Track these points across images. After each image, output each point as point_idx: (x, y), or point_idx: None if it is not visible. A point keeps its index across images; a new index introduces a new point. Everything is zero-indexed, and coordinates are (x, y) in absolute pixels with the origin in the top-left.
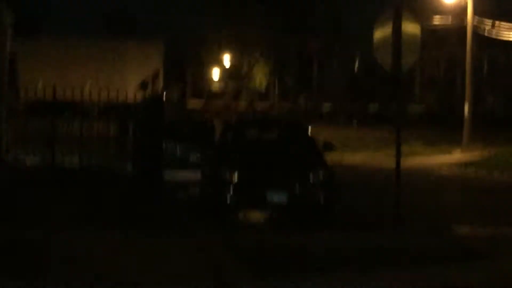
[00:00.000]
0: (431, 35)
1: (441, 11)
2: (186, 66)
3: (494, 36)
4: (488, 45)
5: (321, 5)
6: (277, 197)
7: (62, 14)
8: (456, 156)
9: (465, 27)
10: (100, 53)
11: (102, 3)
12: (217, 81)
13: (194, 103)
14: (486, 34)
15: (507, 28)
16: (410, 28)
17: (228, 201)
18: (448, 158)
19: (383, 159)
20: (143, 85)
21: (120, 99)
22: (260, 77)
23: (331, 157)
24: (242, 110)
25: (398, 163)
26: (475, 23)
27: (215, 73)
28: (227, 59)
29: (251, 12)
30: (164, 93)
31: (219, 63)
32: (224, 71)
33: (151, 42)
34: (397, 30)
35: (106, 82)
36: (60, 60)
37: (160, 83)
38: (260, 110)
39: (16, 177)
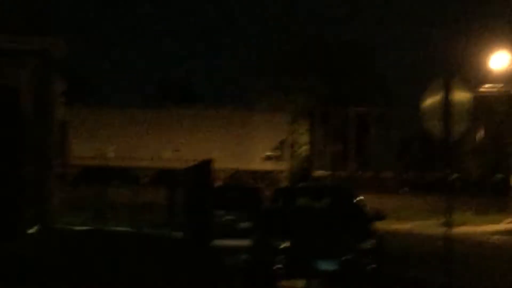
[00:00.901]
0: (480, 102)
1: (490, 79)
2: None
3: None
4: None
5: (370, 74)
6: (326, 265)
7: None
8: (508, 225)
9: None
10: (222, 122)
11: (155, 73)
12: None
13: None
14: None
15: None
16: (460, 96)
17: (278, 269)
18: (499, 227)
19: (433, 227)
20: (269, 155)
21: (172, 166)
22: (309, 144)
23: (380, 224)
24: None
25: (449, 232)
26: None
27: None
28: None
29: (302, 80)
30: (212, 159)
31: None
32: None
33: (276, 112)
34: (446, 98)
35: (232, 150)
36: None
37: (287, 152)
38: (310, 177)
39: (66, 242)
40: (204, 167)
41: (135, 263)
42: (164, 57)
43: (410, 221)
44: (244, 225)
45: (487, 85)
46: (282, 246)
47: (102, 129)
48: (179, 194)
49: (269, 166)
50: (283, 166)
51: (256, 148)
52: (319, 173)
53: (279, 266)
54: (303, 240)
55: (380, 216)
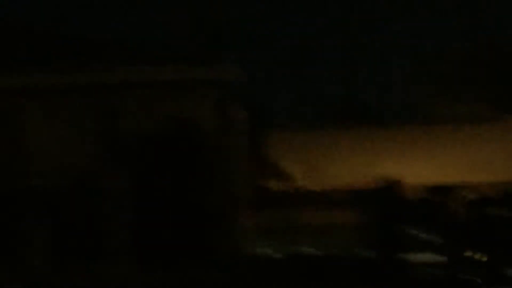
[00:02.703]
0: None
1: None
2: None
3: None
4: None
5: None
6: None
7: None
8: None
9: None
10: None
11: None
12: None
13: None
14: None
15: None
16: None
17: (476, 282)
18: None
19: None
20: None
21: (359, 186)
22: None
23: None
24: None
25: None
26: None
27: None
28: None
29: (477, 88)
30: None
31: None
32: None
33: None
34: None
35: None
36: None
37: None
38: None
39: (260, 268)
40: (394, 185)
41: (332, 285)
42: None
43: None
44: (436, 240)
45: None
46: (479, 259)
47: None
48: (370, 213)
49: None
50: None
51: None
52: None
53: (477, 279)
54: (500, 251)
55: None
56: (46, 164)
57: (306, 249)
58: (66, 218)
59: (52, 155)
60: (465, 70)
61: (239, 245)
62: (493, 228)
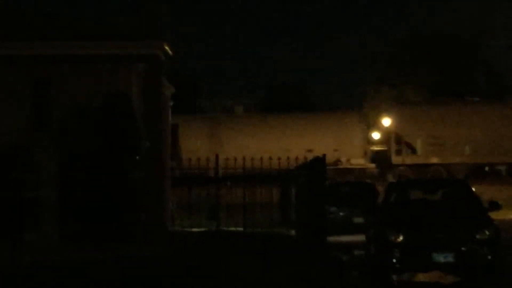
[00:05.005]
0: None
1: None
2: None
3: None
4: None
5: (480, 64)
6: (443, 257)
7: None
8: None
9: None
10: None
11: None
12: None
13: None
14: None
15: None
16: None
17: (394, 262)
18: None
19: None
20: None
21: (282, 166)
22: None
23: (496, 216)
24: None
25: None
26: None
27: (375, 136)
28: (387, 121)
29: (412, 72)
30: (325, 156)
31: (379, 124)
32: (384, 133)
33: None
34: None
35: None
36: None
37: None
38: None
39: (184, 244)
40: (317, 164)
41: (251, 262)
42: (270, 60)
43: None
44: (358, 220)
45: None
46: (397, 240)
47: None
48: (292, 193)
49: None
50: None
51: None
52: None
53: (394, 260)
54: (419, 233)
55: (495, 206)
56: None
57: (229, 227)
58: None
59: None
60: (404, 56)
61: (167, 221)
62: (413, 210)
